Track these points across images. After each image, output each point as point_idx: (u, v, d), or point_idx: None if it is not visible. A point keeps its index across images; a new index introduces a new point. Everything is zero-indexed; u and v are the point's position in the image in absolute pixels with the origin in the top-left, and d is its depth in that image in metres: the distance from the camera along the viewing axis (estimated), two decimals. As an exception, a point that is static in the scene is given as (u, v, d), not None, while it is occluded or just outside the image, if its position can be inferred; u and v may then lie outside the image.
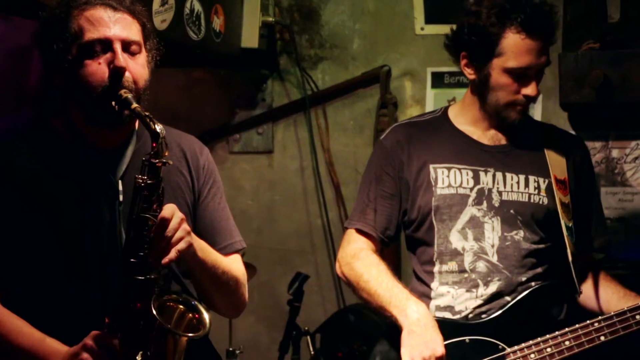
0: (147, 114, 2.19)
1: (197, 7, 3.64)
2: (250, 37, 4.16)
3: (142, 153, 2.29)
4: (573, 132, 3.56)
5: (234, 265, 2.49)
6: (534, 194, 2.88)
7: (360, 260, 2.89)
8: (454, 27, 2.92)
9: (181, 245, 2.20)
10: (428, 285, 2.89)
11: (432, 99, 4.29)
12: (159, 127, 2.18)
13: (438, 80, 4.29)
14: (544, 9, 2.84)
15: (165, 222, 2.17)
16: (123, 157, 2.34)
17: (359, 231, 2.95)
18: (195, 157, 2.47)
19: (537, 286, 2.83)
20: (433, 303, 2.86)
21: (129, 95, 2.21)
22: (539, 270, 2.86)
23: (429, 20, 4.26)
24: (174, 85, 4.47)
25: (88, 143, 2.32)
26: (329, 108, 4.48)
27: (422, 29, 4.30)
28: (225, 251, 2.48)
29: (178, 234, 2.19)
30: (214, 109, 4.60)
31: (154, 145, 2.18)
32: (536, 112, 4.04)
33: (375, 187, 2.95)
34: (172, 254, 2.18)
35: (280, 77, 4.52)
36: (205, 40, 3.74)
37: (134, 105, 2.19)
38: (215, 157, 4.77)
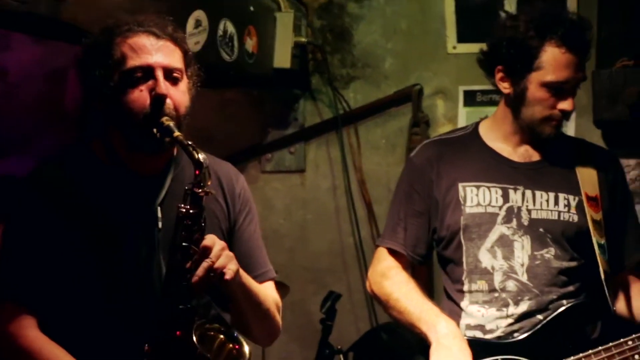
0: (189, 142, 2.20)
1: (230, 28, 3.67)
2: (282, 58, 4.19)
3: (181, 180, 2.32)
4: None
5: (269, 292, 2.50)
6: (564, 212, 2.86)
7: (390, 279, 2.89)
8: (488, 40, 2.91)
9: (232, 266, 2.21)
10: (458, 305, 2.88)
11: (465, 117, 4.29)
12: (202, 156, 2.18)
13: (470, 99, 4.29)
14: (582, 23, 2.83)
15: (207, 250, 2.18)
16: (162, 184, 2.35)
17: (390, 249, 2.96)
18: (231, 184, 2.48)
19: (569, 305, 2.80)
20: (463, 322, 2.85)
21: (171, 123, 2.22)
22: (571, 288, 2.84)
23: (462, 39, 4.27)
24: (207, 106, 4.49)
25: (128, 168, 2.33)
26: (361, 127, 4.49)
27: (454, 47, 4.31)
28: (260, 279, 2.49)
29: (221, 261, 2.20)
30: (246, 128, 4.63)
31: (197, 173, 2.18)
32: (569, 130, 4.01)
33: (405, 205, 2.95)
34: (229, 273, 2.20)
35: (312, 97, 4.55)
36: (238, 61, 3.77)
37: (176, 133, 2.21)
38: (247, 177, 4.80)
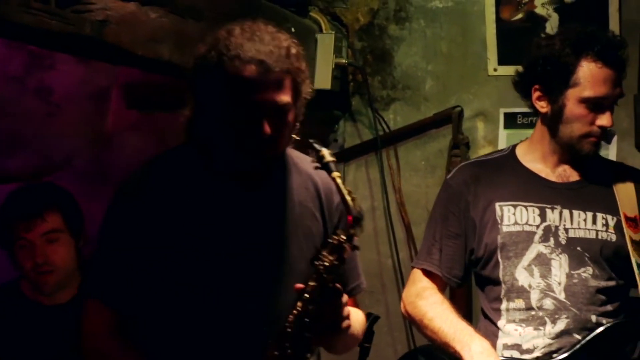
0: (349, 189, 2.12)
1: (271, 49, 3.67)
2: (323, 79, 4.20)
3: (281, 193, 2.24)
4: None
5: (360, 316, 2.48)
6: (602, 231, 2.85)
7: (425, 299, 2.90)
8: (524, 61, 2.91)
9: (347, 322, 2.18)
10: (495, 324, 2.87)
11: (505, 140, 4.27)
12: (360, 210, 2.09)
13: (511, 121, 4.27)
14: (617, 40, 2.84)
15: (343, 306, 2.13)
16: (264, 198, 2.26)
17: (425, 271, 2.95)
18: (329, 197, 2.37)
19: (608, 324, 2.78)
20: (500, 341, 2.84)
21: (332, 160, 2.15)
22: (609, 308, 2.81)
23: (502, 61, 4.26)
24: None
25: (231, 178, 2.22)
26: (401, 148, 4.49)
27: (495, 69, 4.30)
28: (354, 292, 2.46)
29: (346, 322, 2.17)
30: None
31: (350, 220, 2.07)
32: (611, 153, 3.98)
33: (441, 226, 2.95)
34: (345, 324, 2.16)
35: (352, 118, 4.56)
36: (279, 82, 3.77)
37: (335, 174, 2.13)
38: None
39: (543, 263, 2.82)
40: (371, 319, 3.99)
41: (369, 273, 4.50)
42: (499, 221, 2.86)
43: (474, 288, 3.18)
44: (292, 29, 3.93)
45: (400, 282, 4.42)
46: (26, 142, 2.73)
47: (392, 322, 4.46)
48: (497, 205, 2.88)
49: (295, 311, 2.11)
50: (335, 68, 4.29)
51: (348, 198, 2.07)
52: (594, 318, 2.79)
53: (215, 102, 2.15)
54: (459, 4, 4.35)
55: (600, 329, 2.77)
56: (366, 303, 4.44)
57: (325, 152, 2.14)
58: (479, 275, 2.94)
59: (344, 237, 2.08)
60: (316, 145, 2.17)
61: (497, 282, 2.87)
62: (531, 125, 4.12)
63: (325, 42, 4.23)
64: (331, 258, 2.07)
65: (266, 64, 2.13)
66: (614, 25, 4.00)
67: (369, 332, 3.97)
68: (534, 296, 2.82)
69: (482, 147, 4.33)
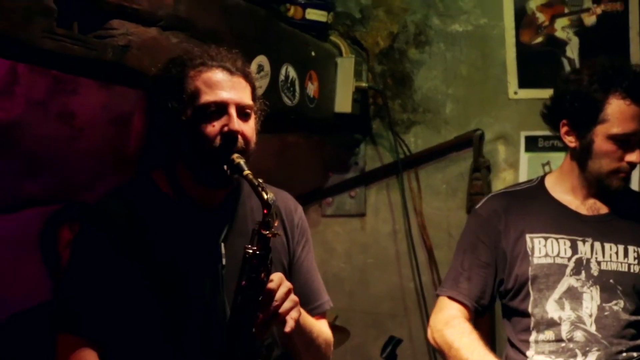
0: (259, 181, 2.20)
1: (292, 73, 3.70)
2: (343, 102, 4.20)
3: (243, 213, 2.32)
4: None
5: (323, 328, 2.49)
6: (634, 264, 2.81)
7: (452, 328, 2.85)
8: (552, 95, 2.89)
9: (294, 314, 2.20)
10: (524, 354, 2.83)
11: (526, 163, 4.25)
12: (270, 197, 2.17)
13: (532, 144, 4.25)
14: None
15: (272, 292, 2.17)
16: (225, 219, 2.34)
17: (452, 299, 2.91)
18: (290, 215, 2.48)
19: (638, 357, 2.73)
20: (530, 372, 2.80)
21: (242, 161, 2.22)
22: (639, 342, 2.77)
23: (523, 84, 4.24)
24: (269, 150, 4.52)
25: (192, 201, 2.32)
26: (422, 171, 4.48)
27: (515, 92, 4.28)
28: (317, 311, 2.49)
29: (286, 305, 2.19)
30: (307, 172, 4.64)
31: (265, 212, 2.17)
32: (632, 183, 3.94)
33: (470, 255, 2.92)
34: (290, 323, 2.18)
35: (373, 141, 4.55)
36: (300, 105, 3.80)
37: (247, 171, 2.20)
38: (308, 221, 4.79)
39: (574, 297, 2.79)
40: (394, 342, 3.96)
41: (392, 296, 4.49)
42: (530, 253, 2.83)
43: (497, 316, 3.15)
44: (313, 53, 3.95)
45: (423, 305, 4.40)
46: (48, 165, 2.74)
47: (416, 345, 4.43)
48: (527, 236, 2.85)
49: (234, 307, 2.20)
50: (356, 91, 4.29)
51: (259, 190, 2.17)
52: (625, 351, 2.76)
53: (182, 109, 2.25)
54: (478, 27, 4.35)
55: None
56: (389, 326, 4.43)
57: (235, 155, 2.22)
58: (507, 306, 2.91)
59: (263, 226, 2.17)
60: (224, 152, 2.24)
61: (526, 314, 2.83)
62: (552, 149, 4.15)
63: (346, 65, 4.23)
64: (255, 248, 2.16)
65: (229, 68, 2.29)
66: (634, 49, 3.99)
67: (392, 355, 3.94)
68: (565, 328, 2.78)
69: (503, 170, 4.32)
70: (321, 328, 2.47)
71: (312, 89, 3.92)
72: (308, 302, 2.44)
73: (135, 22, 2.64)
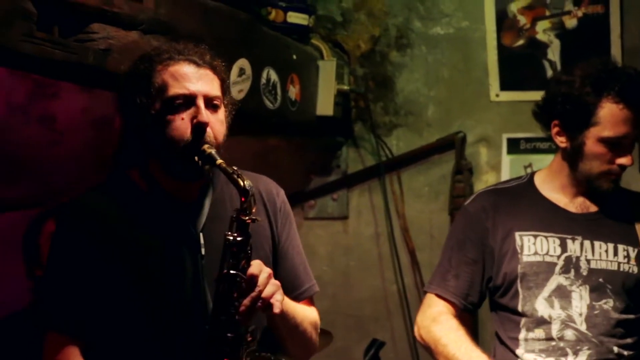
0: (234, 169, 2.21)
1: (274, 77, 3.69)
2: (325, 105, 4.20)
3: (220, 202, 2.32)
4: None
5: (308, 312, 2.49)
6: (624, 263, 2.82)
7: (440, 325, 2.86)
8: (544, 95, 2.89)
9: (278, 296, 2.20)
10: (513, 352, 2.84)
11: (508, 165, 4.27)
12: (247, 183, 2.18)
13: (514, 146, 4.27)
14: (638, 78, 2.79)
15: (254, 278, 2.17)
16: (202, 209, 2.35)
17: (439, 296, 2.92)
18: (272, 199, 2.48)
19: (629, 356, 2.75)
20: (519, 371, 2.81)
21: (213, 151, 2.22)
22: (629, 340, 2.79)
23: (505, 87, 4.26)
24: (250, 153, 4.51)
25: (167, 195, 2.33)
26: (404, 174, 4.49)
27: (497, 95, 4.30)
28: (304, 295, 2.50)
29: (268, 289, 2.18)
30: (289, 175, 4.62)
31: (243, 200, 2.18)
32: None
33: (458, 252, 2.92)
34: (277, 305, 2.18)
35: (355, 144, 4.56)
36: (281, 108, 3.79)
37: (219, 161, 2.21)
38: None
39: (563, 295, 2.79)
40: (377, 345, 3.96)
41: (374, 299, 4.50)
42: (519, 251, 2.84)
43: (481, 311, 3.15)
44: (294, 56, 3.95)
45: (406, 307, 4.41)
46: (28, 170, 2.73)
47: (398, 348, 4.44)
48: (517, 234, 2.86)
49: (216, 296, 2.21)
50: (337, 94, 4.30)
51: (235, 177, 2.18)
52: (615, 349, 2.76)
53: (151, 104, 2.26)
54: (460, 30, 4.36)
55: None
56: (371, 329, 4.43)
57: (205, 146, 2.23)
58: (496, 302, 2.91)
59: (241, 212, 2.18)
60: (195, 144, 2.25)
61: (515, 312, 2.84)
62: (534, 151, 4.17)
63: (327, 68, 4.24)
64: (235, 234, 2.17)
65: (196, 61, 2.30)
66: (615, 51, 4.00)
67: (375, 358, 3.94)
68: (555, 327, 2.79)
69: (486, 173, 4.33)
70: (305, 312, 2.46)
71: (293, 92, 3.93)
72: (294, 288, 2.45)
73: (116, 26, 2.63)
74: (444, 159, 4.41)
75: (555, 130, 2.85)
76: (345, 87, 4.37)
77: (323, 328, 4.26)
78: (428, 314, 2.92)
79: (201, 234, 2.32)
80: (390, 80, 4.48)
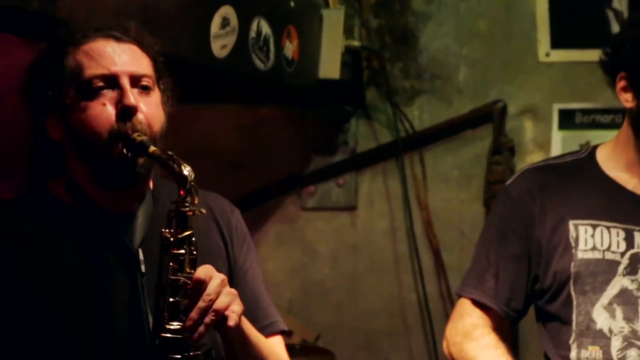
0: (169, 153, 2.19)
1: (266, 29, 3.68)
2: (330, 66, 4.19)
3: (162, 216, 2.29)
4: None
5: (277, 348, 2.49)
6: None
7: (474, 341, 2.85)
8: (611, 43, 2.88)
9: (236, 308, 2.18)
10: (562, 375, 2.84)
11: (560, 143, 4.28)
12: (186, 170, 2.17)
13: (567, 120, 4.28)
14: None
15: (203, 285, 2.15)
16: (140, 222, 2.35)
17: (475, 302, 2.92)
18: (226, 216, 2.49)
19: None
20: (569, 399, 2.81)
21: (144, 138, 2.21)
22: None
23: (557, 44, 4.27)
24: (233, 126, 4.52)
25: (97, 208, 2.33)
26: (428, 154, 4.50)
27: (547, 54, 4.30)
28: (268, 331, 2.49)
29: (222, 299, 2.17)
30: (283, 154, 4.64)
31: (182, 192, 2.17)
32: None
33: (497, 246, 2.91)
34: (233, 317, 2.17)
35: (366, 115, 4.56)
36: (275, 69, 3.78)
37: (152, 148, 2.20)
38: (284, 215, 4.79)
39: (628, 302, 2.78)
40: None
41: (389, 311, 4.51)
42: (573, 244, 2.82)
43: (525, 322, 3.16)
44: (292, 3, 3.94)
45: (428, 321, 4.42)
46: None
47: (418, 371, 4.46)
48: (571, 223, 2.84)
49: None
50: (346, 52, 4.29)
51: (170, 163, 2.18)
52: None
53: (64, 94, 2.26)
54: (501, -29, 4.37)
55: None
56: (385, 347, 4.46)
57: (135, 134, 2.22)
58: (543, 310, 2.90)
59: (180, 203, 2.18)
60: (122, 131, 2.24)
61: (567, 323, 2.83)
62: (593, 125, 4.17)
63: (333, 19, 4.22)
64: (174, 231, 2.17)
65: (116, 36, 2.31)
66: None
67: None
68: (615, 344, 2.78)
69: (531, 153, 4.34)
70: (273, 348, 2.47)
71: (290, 48, 3.91)
72: (256, 320, 2.44)
73: (67, -38, 2.62)
74: (478, 135, 4.42)
75: (620, 84, 2.84)
76: (356, 43, 4.38)
77: (324, 347, 4.30)
78: (460, 327, 2.92)
79: (140, 250, 2.32)
80: (412, 35, 4.48)
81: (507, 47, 4.38)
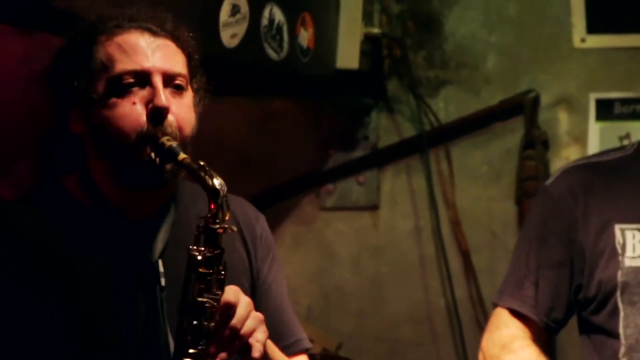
0: (200, 163, 2.18)
1: (279, 16, 3.70)
2: (348, 55, 4.21)
3: (185, 223, 2.32)
4: None
5: None
6: None
7: (513, 354, 2.85)
8: None
9: (261, 336, 2.19)
10: (610, 393, 2.84)
11: (597, 136, 4.27)
12: (218, 182, 2.16)
13: (605, 110, 4.27)
14: None
15: (231, 308, 2.16)
16: (160, 230, 2.35)
17: (514, 312, 2.92)
18: (250, 225, 2.49)
19: None
20: (617, 416, 2.81)
21: (174, 144, 2.21)
22: None
23: (593, 29, 4.27)
24: (244, 120, 4.53)
25: (115, 210, 2.32)
26: (454, 149, 4.51)
27: (582, 40, 4.30)
28: (293, 349, 2.49)
29: (249, 324, 2.18)
30: (299, 150, 4.65)
31: (213, 206, 2.16)
32: None
33: (538, 251, 2.90)
34: (258, 347, 2.18)
35: (388, 108, 4.57)
36: (289, 59, 3.79)
37: (182, 156, 2.19)
38: (301, 215, 4.81)
39: None
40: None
41: (414, 318, 4.51)
42: (620, 251, 2.81)
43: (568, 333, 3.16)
44: (305, -13, 3.95)
45: (457, 329, 4.42)
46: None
47: (447, 384, 4.47)
48: (617, 228, 2.83)
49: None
50: (365, 40, 4.30)
51: (202, 174, 2.17)
52: None
53: (92, 87, 2.25)
54: (532, -49, 4.38)
55: None
56: (411, 357, 4.46)
57: (164, 138, 2.21)
58: (587, 321, 2.90)
59: (210, 220, 2.17)
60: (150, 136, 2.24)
61: (614, 335, 2.83)
62: (633, 116, 4.16)
63: (351, 5, 4.23)
64: (203, 249, 2.17)
65: (152, 29, 2.30)
66: None
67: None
68: None
69: (566, 146, 4.34)
70: None
71: (305, 37, 3.93)
72: (281, 337, 2.45)
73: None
74: (508, 128, 4.42)
75: None
76: (376, 30, 4.39)
77: (345, 356, 4.30)
78: (497, 338, 2.92)
79: (160, 261, 2.32)
80: (437, 21, 4.49)
81: (540, 33, 4.38)
